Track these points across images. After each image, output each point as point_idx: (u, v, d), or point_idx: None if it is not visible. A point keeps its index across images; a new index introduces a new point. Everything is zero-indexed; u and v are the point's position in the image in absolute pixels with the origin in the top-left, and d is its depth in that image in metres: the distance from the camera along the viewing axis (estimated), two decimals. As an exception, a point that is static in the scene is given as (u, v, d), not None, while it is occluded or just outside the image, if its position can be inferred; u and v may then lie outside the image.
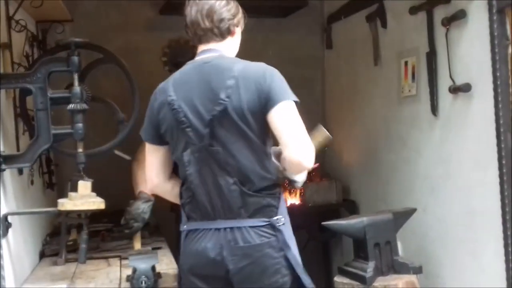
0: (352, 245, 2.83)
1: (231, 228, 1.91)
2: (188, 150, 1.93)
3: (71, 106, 2.15)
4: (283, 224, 1.92)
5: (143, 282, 1.99)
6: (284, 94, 1.85)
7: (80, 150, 2.20)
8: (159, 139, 2.01)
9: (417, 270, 2.66)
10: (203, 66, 1.95)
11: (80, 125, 2.16)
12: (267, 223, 1.90)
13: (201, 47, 2.00)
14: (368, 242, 2.60)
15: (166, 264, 2.37)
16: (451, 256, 2.86)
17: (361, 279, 2.54)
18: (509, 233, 2.37)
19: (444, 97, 2.84)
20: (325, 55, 4.20)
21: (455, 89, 2.71)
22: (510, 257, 2.36)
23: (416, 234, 3.07)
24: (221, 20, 1.96)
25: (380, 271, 2.61)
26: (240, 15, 2.03)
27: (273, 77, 1.88)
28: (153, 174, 2.06)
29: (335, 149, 3.85)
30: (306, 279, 1.93)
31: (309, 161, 1.84)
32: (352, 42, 3.82)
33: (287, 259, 1.91)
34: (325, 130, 2.12)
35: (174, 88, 1.96)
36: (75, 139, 2.18)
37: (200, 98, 1.90)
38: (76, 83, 2.18)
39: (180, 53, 3.67)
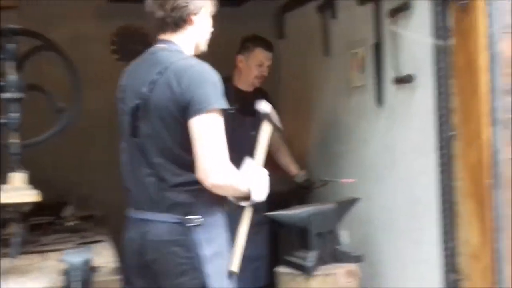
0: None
1: (147, 220, 1.89)
2: (124, 138, 1.97)
3: (5, 95, 2.08)
4: (199, 224, 1.85)
5: (76, 277, 1.94)
6: (205, 102, 1.79)
7: (14, 140, 2.12)
8: None
9: (358, 259, 2.67)
10: (147, 57, 1.96)
11: (15, 114, 2.09)
12: (179, 220, 1.85)
13: (158, 38, 1.98)
14: (311, 231, 2.59)
15: (104, 257, 2.32)
16: (394, 244, 2.88)
17: (302, 268, 2.54)
18: (447, 221, 2.40)
19: (389, 88, 2.86)
20: (278, 45, 4.14)
21: (399, 80, 2.73)
22: (448, 245, 2.38)
23: (362, 223, 3.09)
24: (174, 8, 1.91)
25: (322, 261, 2.61)
26: (199, 2, 1.96)
27: (195, 81, 1.81)
28: None
29: (288, 140, 3.81)
30: None
31: (211, 181, 1.80)
32: (304, 32, 3.80)
33: (200, 263, 1.83)
34: (268, 123, 2.11)
35: (126, 75, 2.01)
36: (9, 129, 2.10)
37: (132, 90, 1.92)
38: (10, 71, 2.10)
39: (130, 41, 3.61)
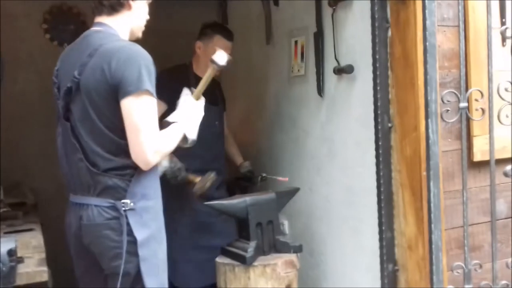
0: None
1: (82, 204, 1.95)
2: (59, 122, 2.00)
3: None
4: (132, 209, 1.88)
5: (-3, 268, 1.82)
6: (135, 83, 1.81)
7: None
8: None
9: (297, 249, 2.66)
10: (81, 40, 1.98)
11: None
12: (111, 204, 1.89)
13: (95, 20, 2.01)
14: (250, 221, 2.58)
15: (33, 247, 2.24)
16: (333, 233, 2.90)
17: (241, 259, 2.52)
18: (384, 212, 2.41)
19: (330, 78, 2.85)
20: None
21: (339, 70, 2.73)
22: (384, 235, 2.40)
23: (303, 213, 3.10)
24: None
25: (261, 251, 2.60)
26: None
27: (126, 62, 1.82)
28: None
29: (232, 129, 3.77)
30: (148, 280, 1.88)
31: (147, 164, 1.88)
32: (246, 19, 3.76)
33: (132, 246, 1.87)
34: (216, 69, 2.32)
35: (60, 59, 2.03)
36: None
37: (65, 73, 1.95)
38: None
39: (62, 20, 3.48)
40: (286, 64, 3.27)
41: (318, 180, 3.01)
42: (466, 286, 2.19)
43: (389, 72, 2.38)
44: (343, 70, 2.69)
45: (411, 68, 2.26)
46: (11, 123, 3.63)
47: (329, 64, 2.83)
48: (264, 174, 2.83)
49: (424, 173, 2.22)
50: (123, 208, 1.87)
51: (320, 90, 2.90)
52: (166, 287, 1.96)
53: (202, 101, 2.20)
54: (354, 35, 2.65)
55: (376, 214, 2.45)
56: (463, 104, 2.16)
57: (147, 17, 2.08)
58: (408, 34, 2.24)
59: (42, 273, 1.90)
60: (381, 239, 2.41)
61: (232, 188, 3.28)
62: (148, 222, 1.91)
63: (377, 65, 2.40)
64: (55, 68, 2.01)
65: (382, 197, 2.40)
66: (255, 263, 2.51)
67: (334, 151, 2.87)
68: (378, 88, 2.40)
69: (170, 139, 2.00)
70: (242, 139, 3.77)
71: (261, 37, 3.50)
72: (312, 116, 3.05)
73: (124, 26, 1.99)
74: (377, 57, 2.39)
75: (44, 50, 3.66)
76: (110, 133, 1.88)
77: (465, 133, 2.18)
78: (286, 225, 3.06)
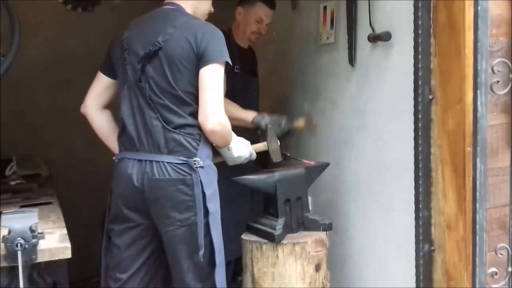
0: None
1: (151, 161, 2.15)
2: (125, 85, 2.23)
3: None
4: (201, 166, 2.13)
5: (19, 245, 1.72)
6: (217, 54, 2.13)
7: None
8: (109, 71, 2.33)
9: (327, 227, 2.57)
10: (156, 14, 2.27)
11: None
12: (184, 162, 2.13)
13: (165, 1, 2.33)
14: (278, 198, 2.48)
15: (52, 222, 2.15)
16: (361, 210, 2.80)
17: (269, 236, 2.43)
18: (421, 189, 2.29)
19: (363, 46, 2.72)
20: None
21: (374, 38, 2.58)
22: (421, 214, 2.28)
23: (328, 188, 3.01)
24: None
25: (289, 228, 2.51)
26: None
27: (208, 36, 2.14)
28: (89, 96, 2.35)
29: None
30: (214, 231, 2.14)
31: (211, 123, 2.11)
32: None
33: (203, 200, 2.11)
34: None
35: (129, 28, 2.27)
36: None
37: (143, 40, 2.19)
38: None
39: None
40: (313, 32, 3.14)
41: (346, 154, 2.91)
42: (511, 268, 2.07)
43: (432, 40, 2.24)
44: (379, 38, 2.55)
45: (457, 35, 2.12)
46: (20, 90, 3.50)
47: (363, 31, 2.69)
48: (288, 154, 2.73)
49: (468, 149, 2.10)
50: (195, 166, 2.12)
51: (352, 59, 2.77)
52: (222, 241, 2.20)
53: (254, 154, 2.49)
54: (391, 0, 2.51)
55: (411, 191, 2.34)
56: (515, 75, 2.01)
57: (211, 8, 2.39)
58: (456, -3, 2.08)
59: (65, 250, 1.82)
60: (417, 218, 2.29)
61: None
62: (212, 179, 2.17)
63: (419, 31, 2.24)
64: (123, 37, 2.24)
65: (420, 174, 2.28)
66: (284, 241, 2.42)
67: (364, 123, 2.76)
68: (420, 57, 2.25)
69: (229, 126, 2.23)
70: (262, 109, 3.62)
71: (286, 2, 3.37)
72: (340, 86, 2.94)
73: (192, 9, 2.29)
74: (420, 23, 2.24)
75: (56, 14, 3.52)
76: (183, 95, 2.15)
77: (513, 106, 2.03)
78: (309, 201, 2.92)
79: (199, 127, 2.16)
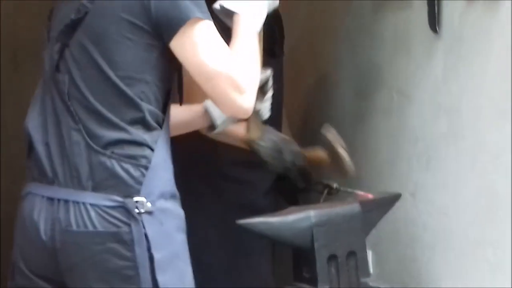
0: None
1: (66, 201, 2.03)
2: (41, 80, 2.20)
3: None
4: (148, 212, 2.02)
5: None
6: (183, 12, 2.04)
7: None
8: None
9: None
10: None
11: None
12: (119, 204, 2.00)
13: None
14: (317, 253, 2.45)
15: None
16: (459, 273, 2.75)
17: None
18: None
19: (451, 4, 2.72)
20: None
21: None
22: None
23: (401, 237, 3.02)
24: None
25: None
26: None
27: None
28: None
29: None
30: None
31: (247, 105, 2.09)
32: None
33: (150, 268, 2.00)
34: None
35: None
36: None
37: (65, 9, 2.14)
38: None
39: None
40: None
41: (429, 179, 2.87)
42: None
43: None
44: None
45: None
46: None
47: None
48: (335, 185, 2.75)
49: None
50: (137, 210, 1.99)
51: (435, 22, 2.76)
52: None
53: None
54: None
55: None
56: None
57: None
58: None
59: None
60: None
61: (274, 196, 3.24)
62: (170, 232, 2.06)
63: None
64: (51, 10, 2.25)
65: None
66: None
67: (459, 128, 2.71)
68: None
69: (249, 54, 2.17)
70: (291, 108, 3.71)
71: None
72: (417, 67, 2.93)
73: None
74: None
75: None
76: (125, 87, 2.04)
77: None
78: (369, 257, 2.90)
79: (148, 145, 2.08)
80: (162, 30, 2.06)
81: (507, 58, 2.47)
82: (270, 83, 2.63)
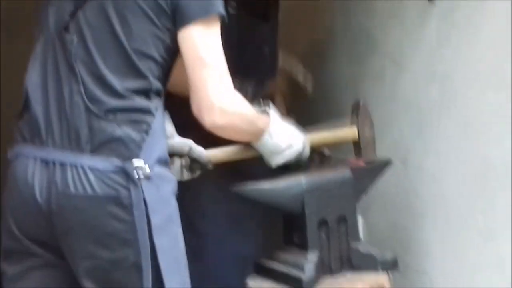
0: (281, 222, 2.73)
1: (63, 164, 2.04)
2: (41, 38, 2.18)
3: None
4: (147, 177, 2.03)
5: None
6: (197, 8, 2.09)
7: None
8: None
9: (390, 265, 2.55)
10: None
11: None
12: (118, 167, 2.02)
13: None
14: (308, 219, 2.45)
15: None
16: (447, 239, 2.79)
17: (294, 281, 2.40)
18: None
19: None
20: None
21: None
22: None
23: (391, 204, 3.07)
24: None
25: (327, 268, 2.48)
26: None
27: None
28: None
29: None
30: (169, 278, 2.06)
31: (213, 117, 2.13)
32: None
33: (148, 231, 2.02)
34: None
35: None
36: None
37: None
38: None
39: None
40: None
41: (419, 147, 2.90)
42: None
43: None
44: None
45: None
46: None
47: None
48: (325, 151, 2.73)
49: None
50: (137, 175, 2.01)
51: None
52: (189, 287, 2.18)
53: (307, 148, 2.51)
54: None
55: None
56: None
57: None
58: None
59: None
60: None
61: None
62: (166, 197, 2.09)
63: None
64: None
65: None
66: (318, 288, 2.45)
67: (452, 96, 2.73)
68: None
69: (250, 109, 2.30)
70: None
71: None
72: (409, 34, 2.95)
73: None
74: None
75: None
76: (136, 59, 2.06)
77: None
78: (360, 223, 2.89)
79: (151, 112, 2.11)
80: (177, 16, 2.09)
81: (501, 26, 2.47)
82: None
